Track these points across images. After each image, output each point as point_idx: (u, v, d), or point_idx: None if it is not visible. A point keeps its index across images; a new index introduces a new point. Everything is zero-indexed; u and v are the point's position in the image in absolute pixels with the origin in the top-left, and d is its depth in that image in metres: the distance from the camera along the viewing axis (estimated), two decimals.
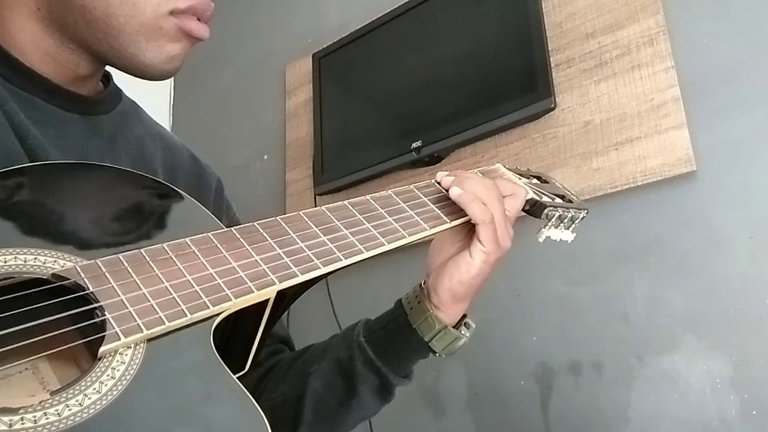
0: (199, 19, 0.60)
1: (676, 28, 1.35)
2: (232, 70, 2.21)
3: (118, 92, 0.70)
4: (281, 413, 0.68)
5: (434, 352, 0.66)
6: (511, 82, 1.50)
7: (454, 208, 0.65)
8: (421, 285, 0.68)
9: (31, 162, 0.54)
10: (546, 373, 1.37)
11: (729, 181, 1.25)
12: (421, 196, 0.65)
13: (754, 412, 1.16)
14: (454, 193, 0.64)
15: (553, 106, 1.43)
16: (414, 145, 1.59)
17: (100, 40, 0.58)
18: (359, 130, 1.77)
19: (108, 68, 0.67)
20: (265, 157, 2.03)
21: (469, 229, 0.65)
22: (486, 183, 0.65)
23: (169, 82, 2.33)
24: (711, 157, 1.27)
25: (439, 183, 0.67)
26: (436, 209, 0.64)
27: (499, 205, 0.63)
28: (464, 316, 0.67)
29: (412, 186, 0.66)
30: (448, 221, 0.64)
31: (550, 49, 1.47)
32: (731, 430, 1.17)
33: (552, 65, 1.46)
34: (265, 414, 0.67)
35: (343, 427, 0.69)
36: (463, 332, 0.66)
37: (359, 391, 0.67)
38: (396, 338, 0.66)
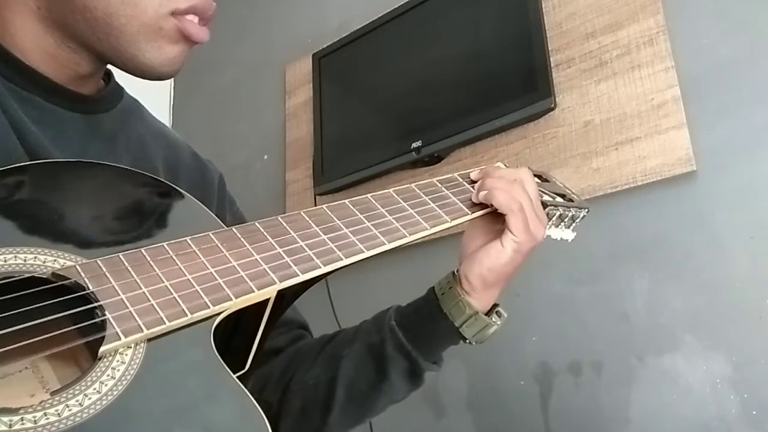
0: (200, 20, 0.60)
1: (676, 28, 1.35)
2: (232, 70, 2.21)
3: (119, 90, 0.70)
4: (314, 396, 0.68)
5: (465, 339, 0.67)
6: (511, 82, 1.50)
7: (454, 207, 0.65)
8: (454, 272, 0.68)
9: (30, 160, 0.54)
10: (546, 373, 1.37)
11: (729, 181, 1.25)
12: (422, 195, 0.65)
13: (754, 412, 1.16)
14: (483, 186, 0.65)
15: (553, 106, 1.43)
16: (414, 145, 1.59)
17: (101, 39, 0.58)
18: (359, 130, 1.77)
19: (109, 66, 0.67)
20: (265, 157, 2.03)
21: (503, 220, 0.65)
22: (510, 174, 0.66)
23: (169, 82, 2.33)
24: (711, 157, 1.27)
25: (445, 181, 0.68)
26: (436, 208, 0.64)
27: (525, 194, 0.64)
28: (496, 304, 0.68)
29: (412, 185, 0.66)
30: (449, 220, 0.64)
31: (550, 49, 1.47)
32: (731, 430, 1.17)
33: (552, 65, 1.46)
34: (297, 397, 0.68)
35: (374, 410, 0.70)
36: (494, 320, 0.66)
37: (390, 375, 0.67)
38: (427, 323, 0.67)
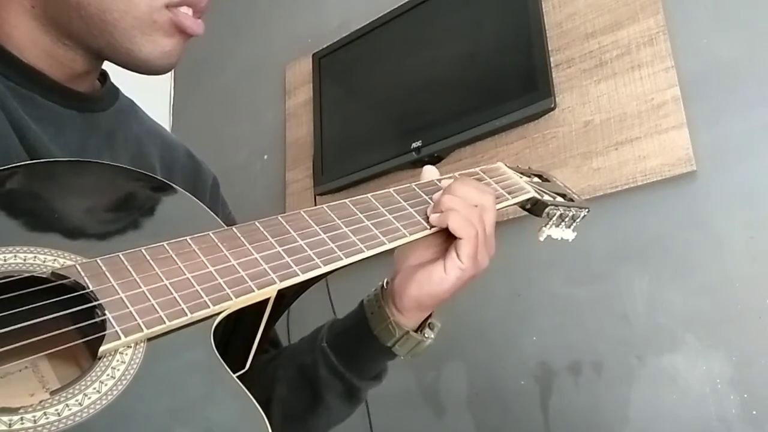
0: (194, 12, 0.60)
1: (676, 28, 1.35)
2: (232, 70, 2.21)
3: (115, 90, 0.70)
4: None
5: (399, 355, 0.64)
6: (511, 82, 1.50)
7: None
8: (383, 285, 0.65)
9: (30, 159, 0.54)
10: (546, 373, 1.37)
11: (729, 181, 1.25)
12: (422, 194, 0.65)
13: (754, 412, 1.16)
14: (440, 205, 0.61)
15: (553, 106, 1.43)
16: (414, 145, 1.59)
17: (96, 35, 0.58)
18: (359, 130, 1.77)
19: (105, 67, 0.67)
20: (265, 157, 2.03)
21: (448, 236, 0.61)
22: (473, 196, 0.61)
23: (169, 82, 2.33)
24: (711, 157, 1.27)
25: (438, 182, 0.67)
26: None
27: (481, 223, 0.60)
28: (429, 316, 0.64)
29: (413, 184, 0.66)
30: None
31: (550, 49, 1.47)
32: (731, 430, 1.17)
33: (552, 65, 1.46)
34: None
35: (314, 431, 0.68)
36: (426, 335, 0.64)
37: (324, 397, 0.65)
38: (357, 343, 0.64)
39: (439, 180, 0.67)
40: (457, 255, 0.59)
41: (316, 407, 0.66)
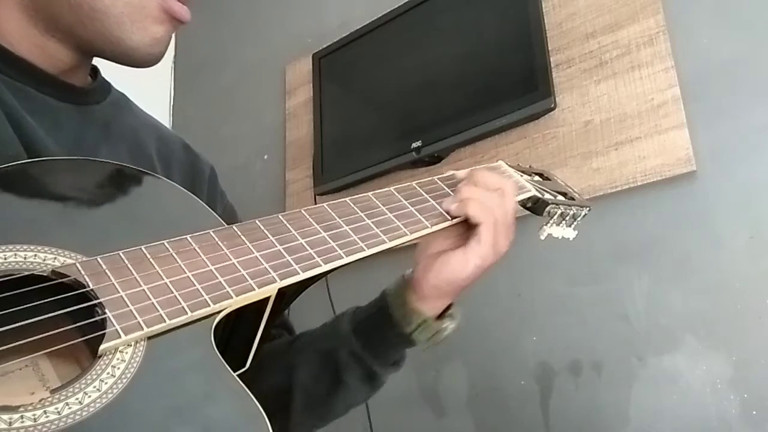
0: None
1: (676, 28, 1.35)
2: (232, 70, 2.21)
3: (107, 85, 0.70)
4: (273, 404, 0.67)
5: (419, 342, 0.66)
6: (511, 82, 1.50)
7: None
8: (404, 276, 0.66)
9: (29, 152, 0.54)
10: (546, 373, 1.37)
11: (729, 181, 1.25)
12: (423, 193, 0.65)
13: (754, 412, 1.16)
14: (459, 194, 0.63)
15: (553, 106, 1.43)
16: (414, 145, 1.59)
17: (86, 25, 0.58)
18: (359, 130, 1.77)
19: (96, 63, 0.67)
20: (265, 157, 2.03)
21: (468, 227, 0.63)
22: (493, 182, 0.64)
23: (169, 82, 2.33)
24: (711, 157, 1.27)
25: (446, 179, 0.67)
26: (438, 207, 0.64)
27: (503, 206, 0.62)
28: (450, 305, 0.66)
29: (413, 183, 0.66)
30: (450, 219, 0.63)
31: (550, 49, 1.47)
32: (731, 430, 1.17)
33: (552, 65, 1.46)
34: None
35: (334, 413, 0.69)
36: (446, 324, 0.65)
37: (345, 381, 0.66)
38: (379, 330, 0.66)
39: (444, 178, 0.68)
40: (477, 241, 0.60)
41: (336, 390, 0.67)
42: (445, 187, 0.67)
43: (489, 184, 0.63)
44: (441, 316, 0.65)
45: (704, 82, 1.30)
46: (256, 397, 0.64)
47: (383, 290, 0.68)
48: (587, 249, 1.35)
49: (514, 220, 0.64)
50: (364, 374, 0.67)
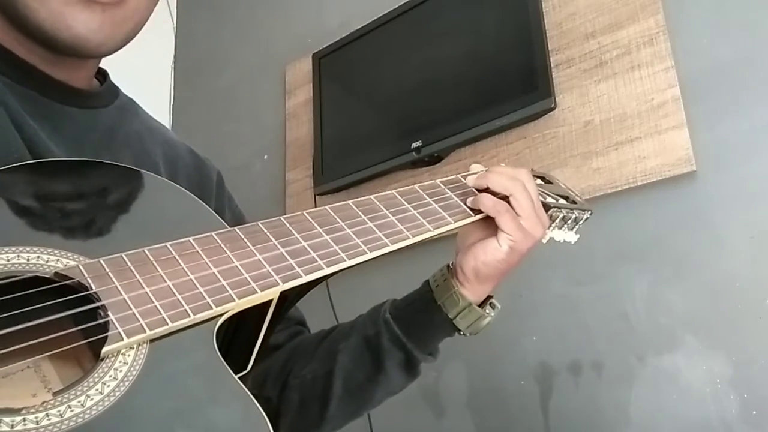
0: None
1: (676, 28, 1.35)
2: (232, 70, 2.21)
3: (115, 89, 0.69)
4: (312, 390, 0.69)
5: (459, 330, 0.67)
6: (511, 82, 1.50)
7: (457, 209, 0.65)
8: (449, 265, 0.69)
9: (31, 155, 0.54)
10: (546, 373, 1.37)
11: (729, 181, 1.26)
12: (425, 196, 0.65)
13: (754, 412, 1.16)
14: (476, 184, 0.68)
15: (553, 106, 1.43)
16: (414, 145, 1.59)
17: (27, 16, 0.55)
18: (359, 130, 1.77)
19: (104, 67, 0.67)
20: (265, 157, 2.03)
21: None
22: (508, 172, 0.68)
23: (169, 82, 2.33)
24: (711, 157, 1.27)
25: (449, 183, 0.69)
26: (439, 209, 0.64)
27: (525, 193, 0.65)
28: (490, 296, 0.68)
29: (416, 186, 0.66)
30: (452, 221, 0.64)
31: (550, 49, 1.47)
32: (731, 430, 1.17)
33: (552, 65, 1.46)
34: (295, 392, 0.69)
35: (371, 402, 0.71)
36: (488, 311, 0.67)
37: (386, 366, 0.68)
38: (421, 314, 0.68)
39: (464, 176, 0.71)
40: (503, 231, 0.65)
41: (377, 377, 0.68)
42: (448, 190, 0.67)
43: (505, 173, 0.68)
44: (482, 305, 0.67)
45: (704, 82, 1.30)
46: (294, 384, 0.64)
47: (425, 281, 0.70)
48: (587, 249, 1.35)
49: (540, 205, 0.67)
50: (404, 360, 0.68)
